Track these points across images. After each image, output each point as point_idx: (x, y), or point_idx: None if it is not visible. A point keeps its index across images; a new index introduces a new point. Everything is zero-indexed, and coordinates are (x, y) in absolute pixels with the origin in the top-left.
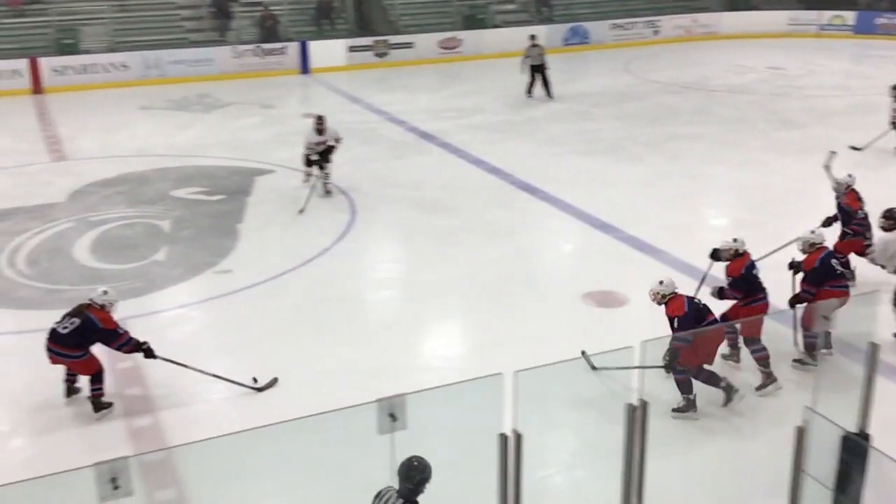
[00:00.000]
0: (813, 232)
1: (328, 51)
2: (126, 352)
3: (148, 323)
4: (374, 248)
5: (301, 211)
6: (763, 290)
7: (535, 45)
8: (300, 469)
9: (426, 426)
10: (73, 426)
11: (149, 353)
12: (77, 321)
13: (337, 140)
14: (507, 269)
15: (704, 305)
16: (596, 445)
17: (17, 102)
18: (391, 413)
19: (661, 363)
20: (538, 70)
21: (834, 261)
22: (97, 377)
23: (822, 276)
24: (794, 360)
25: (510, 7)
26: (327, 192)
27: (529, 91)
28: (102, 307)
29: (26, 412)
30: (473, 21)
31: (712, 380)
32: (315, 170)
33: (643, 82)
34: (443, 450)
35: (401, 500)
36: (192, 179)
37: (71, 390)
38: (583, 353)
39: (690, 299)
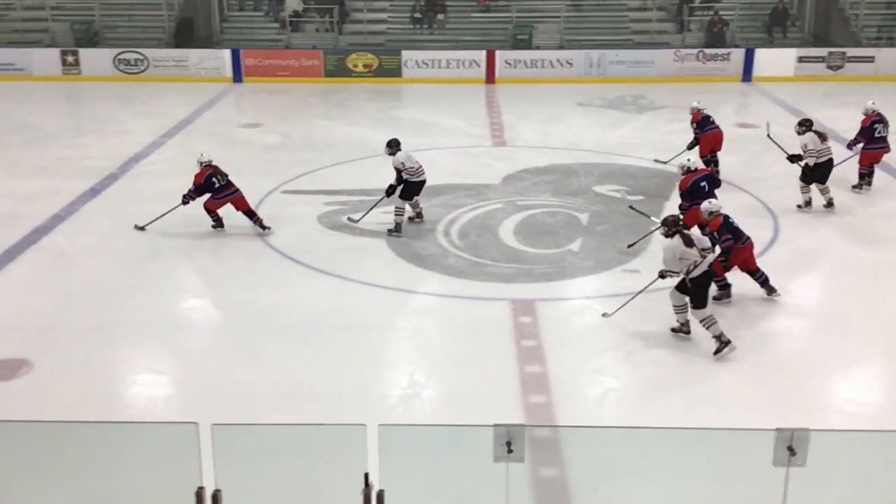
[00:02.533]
0: None
1: (775, 60)
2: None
3: (554, 307)
4: (794, 270)
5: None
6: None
7: None
8: (682, 480)
9: (827, 470)
10: (473, 390)
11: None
12: (223, 177)
13: (400, 170)
14: None
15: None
16: None
17: (471, 90)
18: (790, 446)
19: None
20: None
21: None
22: (251, 210)
23: None
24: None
25: None
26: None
27: None
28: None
29: (441, 367)
30: None
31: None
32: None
33: None
34: (842, 500)
35: None
36: (615, 177)
37: (220, 223)
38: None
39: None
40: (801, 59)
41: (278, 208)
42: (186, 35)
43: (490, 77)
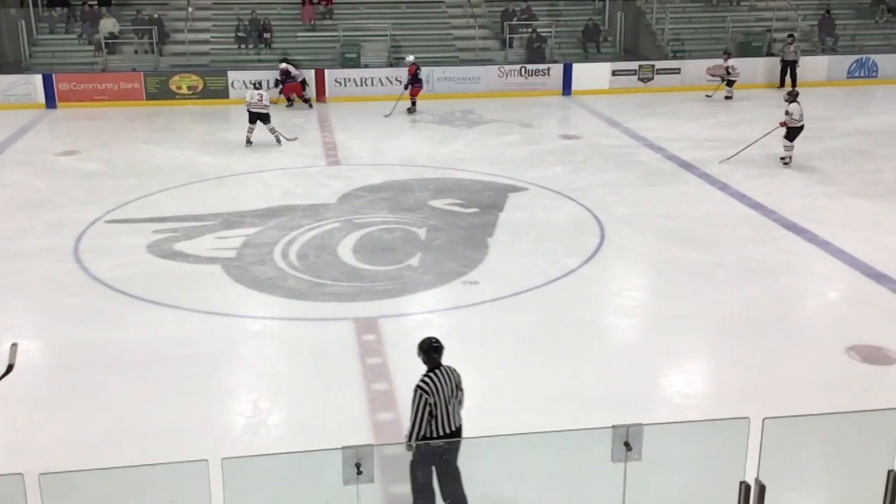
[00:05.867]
0: None
1: (591, 74)
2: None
3: (397, 323)
4: (621, 274)
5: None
6: None
7: (790, 43)
8: (532, 482)
9: (661, 461)
10: (320, 412)
11: None
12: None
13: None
14: (762, 311)
15: None
16: None
17: (303, 109)
18: (626, 442)
19: None
20: (790, 65)
21: None
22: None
23: None
24: None
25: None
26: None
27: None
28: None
29: (286, 392)
30: (747, 49)
31: None
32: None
33: None
34: (677, 489)
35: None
36: (450, 191)
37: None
38: None
39: None
40: (614, 73)
41: (103, 239)
42: None
43: (320, 96)
